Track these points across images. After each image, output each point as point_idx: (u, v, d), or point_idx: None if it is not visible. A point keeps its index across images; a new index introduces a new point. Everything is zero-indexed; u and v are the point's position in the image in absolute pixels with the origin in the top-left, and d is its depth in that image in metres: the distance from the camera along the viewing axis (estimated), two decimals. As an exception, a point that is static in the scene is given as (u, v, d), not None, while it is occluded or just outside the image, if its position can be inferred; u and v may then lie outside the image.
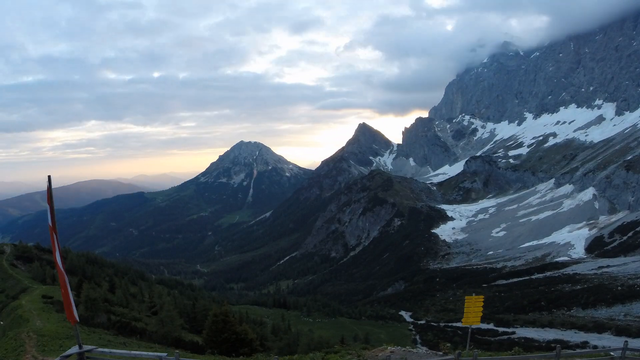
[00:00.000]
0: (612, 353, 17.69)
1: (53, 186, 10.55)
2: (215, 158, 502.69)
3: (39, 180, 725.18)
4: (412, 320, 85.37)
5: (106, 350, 13.57)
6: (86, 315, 37.23)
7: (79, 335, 12.95)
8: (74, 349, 12.28)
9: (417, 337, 71.16)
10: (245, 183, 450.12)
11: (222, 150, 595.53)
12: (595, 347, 49.81)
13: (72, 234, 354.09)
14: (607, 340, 56.12)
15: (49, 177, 10.49)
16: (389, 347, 21.72)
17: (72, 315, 10.82)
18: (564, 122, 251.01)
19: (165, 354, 12.94)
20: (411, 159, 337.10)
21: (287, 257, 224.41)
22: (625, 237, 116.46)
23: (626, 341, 16.64)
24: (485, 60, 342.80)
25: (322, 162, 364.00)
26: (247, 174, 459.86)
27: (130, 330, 37.30)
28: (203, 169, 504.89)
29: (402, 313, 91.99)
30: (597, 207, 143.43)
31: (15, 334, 27.67)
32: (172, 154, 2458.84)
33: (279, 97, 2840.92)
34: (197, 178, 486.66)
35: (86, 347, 12.46)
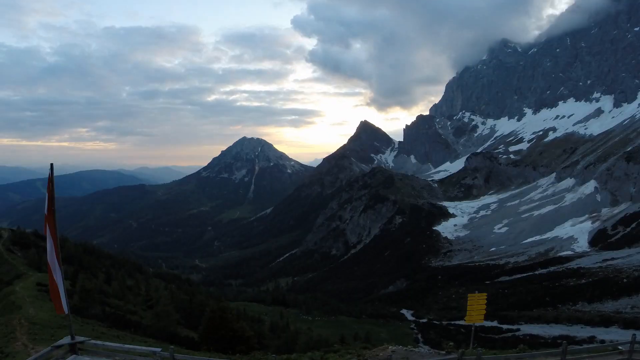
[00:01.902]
0: (620, 347, 17.01)
1: (55, 174, 10.59)
2: (217, 153, 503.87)
3: (41, 167, 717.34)
4: (413, 318, 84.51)
5: (99, 342, 13.43)
6: (80, 305, 36.67)
7: (72, 325, 12.85)
8: (66, 340, 12.20)
9: (419, 335, 70.28)
10: (246, 179, 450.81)
11: (225, 146, 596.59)
12: (602, 341, 49.04)
13: (71, 223, 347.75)
14: (614, 334, 55.43)
15: (52, 165, 10.58)
16: (390, 347, 21.07)
17: (61, 307, 10.81)
18: (563, 116, 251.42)
19: (160, 348, 12.62)
20: (412, 156, 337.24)
21: (287, 254, 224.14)
22: (628, 229, 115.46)
23: (634, 334, 15.96)
24: (484, 58, 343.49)
25: (323, 159, 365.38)
26: (249, 169, 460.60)
27: (125, 323, 36.97)
28: (205, 164, 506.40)
29: (404, 311, 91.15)
30: (599, 200, 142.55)
31: (6, 320, 27.17)
32: (174, 148, 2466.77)
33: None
34: (198, 172, 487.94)
35: (78, 338, 12.37)
